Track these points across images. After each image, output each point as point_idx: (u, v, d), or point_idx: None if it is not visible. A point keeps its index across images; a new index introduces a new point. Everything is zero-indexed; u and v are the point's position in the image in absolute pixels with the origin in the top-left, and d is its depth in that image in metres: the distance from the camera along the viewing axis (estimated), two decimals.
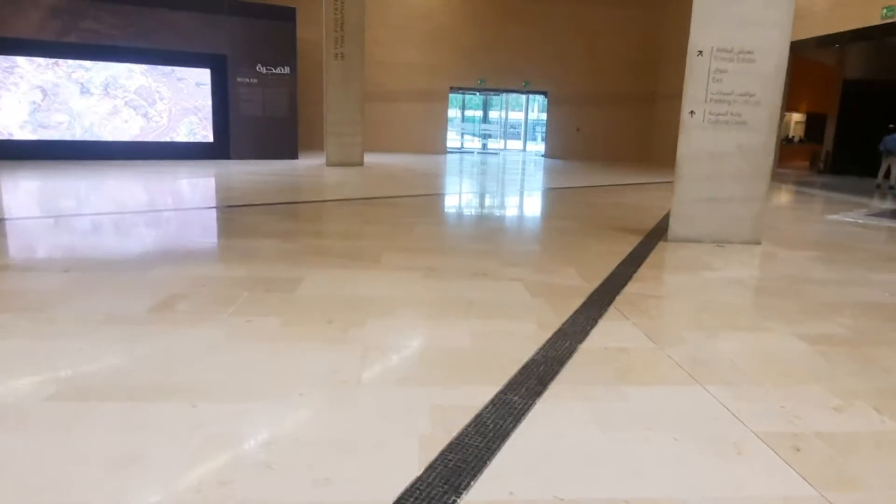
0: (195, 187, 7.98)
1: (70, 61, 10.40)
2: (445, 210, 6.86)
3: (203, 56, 11.26)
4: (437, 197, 7.84)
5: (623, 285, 3.47)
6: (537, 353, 2.36)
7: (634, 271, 3.85)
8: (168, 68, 11.09)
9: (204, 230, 5.04)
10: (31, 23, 9.94)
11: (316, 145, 13.39)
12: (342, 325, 2.61)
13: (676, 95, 5.15)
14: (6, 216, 5.22)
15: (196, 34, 11.12)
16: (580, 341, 2.53)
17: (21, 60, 10.08)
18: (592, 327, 2.71)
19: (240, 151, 11.76)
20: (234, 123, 11.73)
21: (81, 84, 10.58)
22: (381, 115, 15.69)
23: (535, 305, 3.04)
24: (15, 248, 4.13)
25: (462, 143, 19.74)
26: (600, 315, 2.89)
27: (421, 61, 16.40)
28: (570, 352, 2.40)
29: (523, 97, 19.40)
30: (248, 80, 11.65)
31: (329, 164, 11.22)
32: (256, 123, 11.90)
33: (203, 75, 11.36)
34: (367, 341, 2.44)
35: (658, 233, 5.30)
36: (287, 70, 11.95)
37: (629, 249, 4.52)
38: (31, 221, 5.09)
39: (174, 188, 7.74)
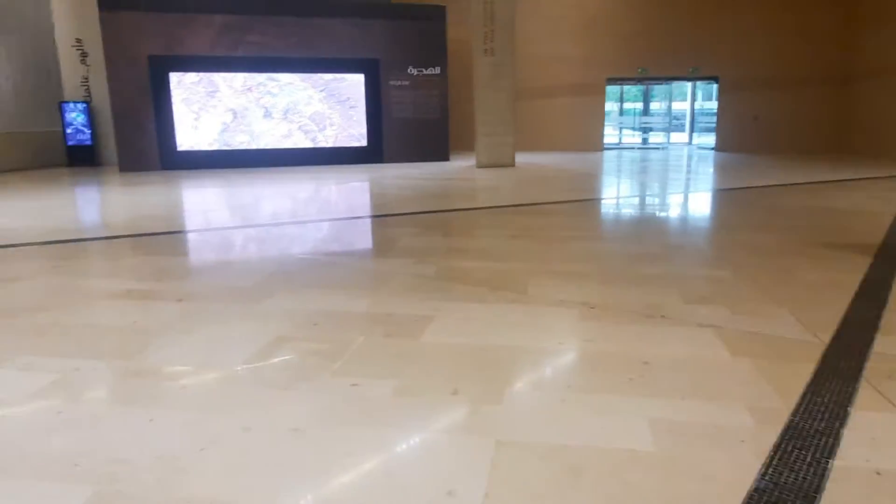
0: (340, 195, 7.82)
1: (259, 87, 10.96)
2: (605, 219, 5.94)
3: (357, 61, 11.28)
4: (594, 203, 6.91)
5: (869, 340, 2.42)
6: (762, 479, 1.50)
7: (879, 314, 2.74)
8: (344, 96, 11.29)
9: (338, 246, 4.66)
10: (204, 40, 10.53)
11: (467, 146, 12.94)
12: (470, 399, 1.93)
13: (887, 70, 3.80)
14: (148, 230, 5.27)
15: (351, 40, 11.15)
16: (830, 452, 1.61)
17: (221, 85, 10.77)
18: (842, 423, 1.77)
19: (392, 154, 11.65)
20: (387, 126, 11.64)
21: (266, 108, 11.11)
22: (533, 112, 14.87)
23: (742, 373, 2.13)
24: (143, 269, 4.01)
25: (620, 139, 18.27)
26: (849, 398, 1.92)
27: (575, 53, 15.28)
28: (818, 476, 1.51)
29: (688, 85, 17.47)
30: (399, 82, 11.49)
31: (479, 165, 10.68)
32: (408, 126, 11.72)
33: (357, 82, 11.39)
34: (502, 431, 1.73)
35: (892, 250, 4.00)
36: (438, 70, 11.61)
37: (859, 278, 3.34)
38: (167, 237, 5.07)
39: (319, 196, 7.63)
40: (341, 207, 6.80)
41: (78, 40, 11.44)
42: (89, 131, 11.72)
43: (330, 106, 11.39)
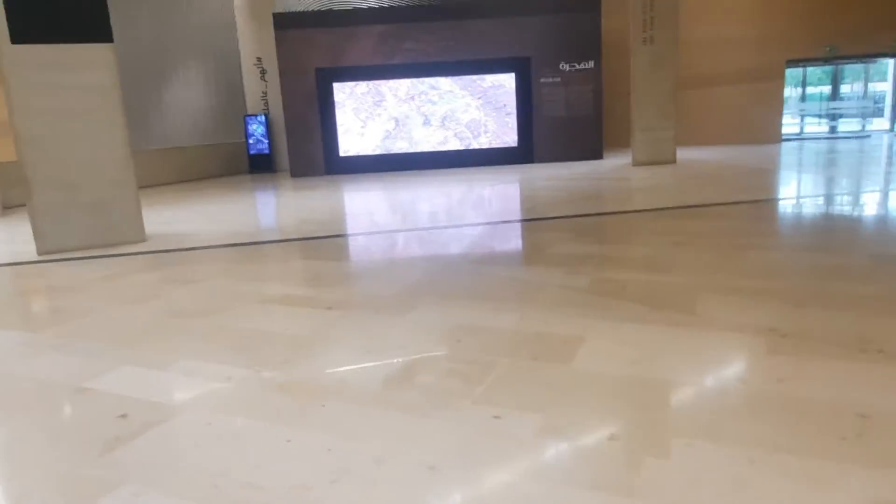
0: (489, 198, 7.67)
1: (421, 96, 11.25)
2: (789, 223, 5.16)
3: (508, 61, 11.10)
4: (773, 203, 6.07)
5: None
6: None
7: None
8: (500, 103, 11.22)
9: (484, 252, 4.49)
10: (364, 51, 10.99)
11: (622, 143, 12.21)
12: (630, 447, 1.62)
13: None
14: (309, 234, 5.48)
15: (502, 40, 11.00)
16: None
17: (387, 95, 11.24)
18: None
19: (543, 154, 11.32)
20: (538, 126, 11.32)
21: (425, 116, 11.39)
22: (697, 102, 13.62)
23: None
24: (300, 274, 4.13)
25: (802, 128, 16.18)
26: None
27: (747, 34, 13.73)
28: None
29: (890, 62, 14.98)
30: (551, 79, 11.12)
31: (636, 163, 9.98)
32: (560, 124, 11.31)
33: (508, 82, 11.20)
34: (673, 498, 1.41)
35: None
36: (591, 65, 11.07)
37: None
38: (326, 241, 5.22)
39: (468, 200, 7.54)
40: (490, 211, 6.65)
41: (258, 59, 12.54)
42: (267, 141, 12.81)
43: (486, 113, 11.34)
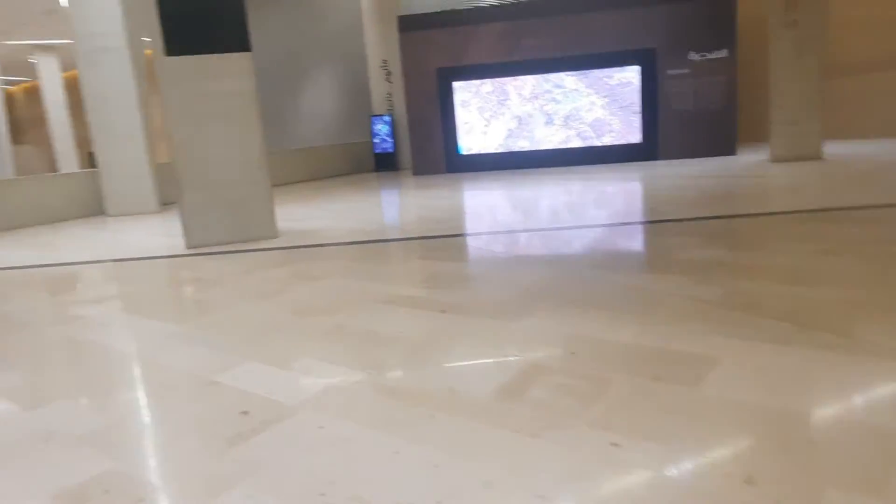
0: (611, 197, 7.31)
1: (545, 95, 11.06)
2: None
3: (632, 53, 10.53)
4: None
5: None
6: None
7: None
8: (627, 101, 10.74)
9: (604, 257, 4.25)
10: (484, 49, 10.93)
11: (758, 137, 11.18)
12: (773, 498, 1.41)
13: None
14: (430, 233, 5.50)
15: (624, 31, 10.46)
16: None
17: (512, 93, 11.17)
18: None
19: (668, 151, 10.64)
20: (664, 120, 10.66)
21: (548, 115, 11.17)
22: (847, 91, 12.12)
23: None
24: (418, 274, 4.13)
25: None
26: None
27: None
28: None
29: None
30: (678, 71, 10.40)
31: (774, 159, 9.08)
32: (687, 118, 10.56)
33: (633, 77, 10.64)
34: None
35: None
36: (725, 53, 10.21)
37: None
38: (445, 241, 5.20)
39: (587, 199, 7.24)
40: (612, 211, 6.33)
41: (384, 61, 12.91)
42: (391, 140, 13.17)
43: (612, 112, 10.85)
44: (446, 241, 5.15)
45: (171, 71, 5.36)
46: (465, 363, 2.39)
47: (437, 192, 8.75)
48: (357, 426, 1.90)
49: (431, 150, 11.42)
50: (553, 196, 7.51)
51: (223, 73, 5.48)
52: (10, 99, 29.08)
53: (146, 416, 2.17)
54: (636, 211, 6.23)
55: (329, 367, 2.43)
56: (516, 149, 11.29)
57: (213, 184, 5.59)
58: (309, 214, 7.42)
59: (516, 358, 2.35)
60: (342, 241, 5.45)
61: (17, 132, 28.74)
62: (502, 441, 1.74)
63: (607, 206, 6.65)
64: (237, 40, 5.49)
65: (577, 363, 2.26)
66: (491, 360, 2.37)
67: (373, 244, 5.22)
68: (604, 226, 5.35)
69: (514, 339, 2.58)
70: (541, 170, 10.64)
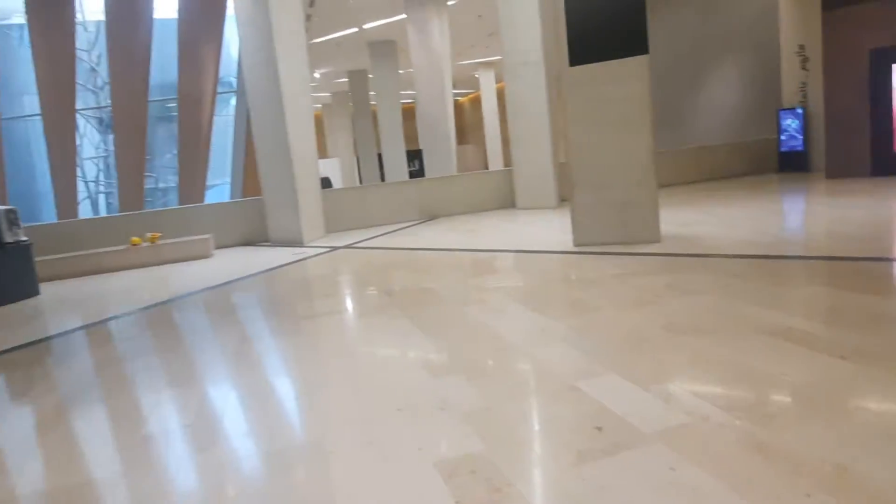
0: None
1: None
2: None
3: None
4: None
5: None
6: None
7: None
8: None
9: None
10: None
11: None
12: None
13: None
14: (838, 254, 4.45)
15: None
16: None
17: None
18: None
19: None
20: None
21: None
22: None
23: None
24: (816, 303, 3.39)
25: None
26: None
27: None
28: None
29: None
30: None
31: None
32: None
33: None
34: None
35: None
36: None
37: None
38: (861, 264, 4.12)
39: None
40: None
41: (801, 47, 11.04)
42: (801, 137, 11.24)
43: None
44: (862, 265, 4.13)
45: (573, 79, 5.69)
46: (866, 431, 1.87)
47: (857, 200, 7.08)
48: (712, 480, 1.70)
49: (854, 149, 9.28)
50: None
51: (619, 78, 5.54)
52: (459, 108, 35.75)
53: (515, 408, 2.38)
54: None
55: (692, 399, 2.23)
56: None
57: (602, 185, 5.74)
58: (695, 219, 6.94)
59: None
60: (729, 252, 4.93)
61: (462, 134, 35.15)
62: None
63: None
64: (635, 44, 5.45)
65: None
66: (879, 450, 1.80)
67: (765, 260, 4.56)
68: None
69: None
70: None
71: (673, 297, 3.74)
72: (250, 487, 1.96)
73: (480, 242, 7.10)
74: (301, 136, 8.96)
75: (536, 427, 2.17)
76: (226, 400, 2.88)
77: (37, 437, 2.66)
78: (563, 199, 10.14)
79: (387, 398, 2.59)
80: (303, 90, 9.10)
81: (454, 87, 30.43)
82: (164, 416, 2.73)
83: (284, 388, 2.96)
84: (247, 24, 8.94)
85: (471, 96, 33.74)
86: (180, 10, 12.82)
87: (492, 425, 2.20)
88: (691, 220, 6.92)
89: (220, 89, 14.31)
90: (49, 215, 14.23)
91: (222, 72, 14.20)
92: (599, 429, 2.04)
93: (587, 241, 5.90)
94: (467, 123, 34.91)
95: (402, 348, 3.33)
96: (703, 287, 3.92)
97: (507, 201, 11.06)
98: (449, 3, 14.15)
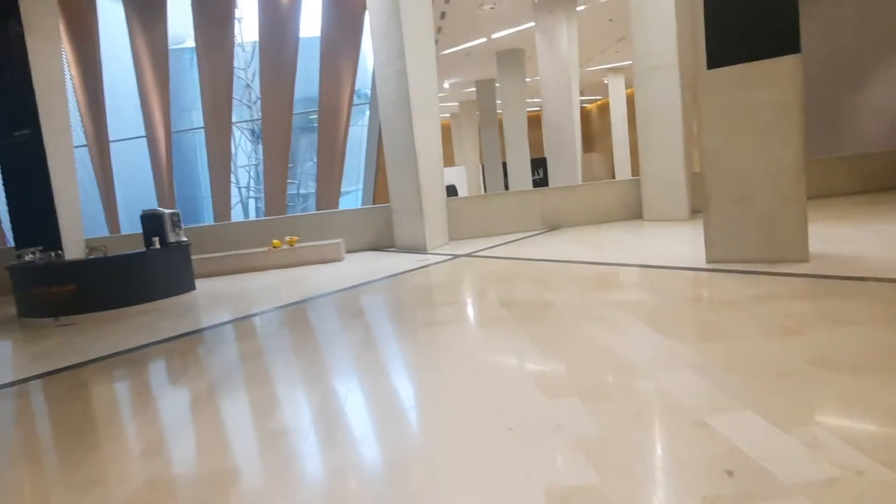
0: None
1: None
2: None
3: None
4: None
5: None
6: None
7: None
8: None
9: None
10: None
11: None
12: None
13: None
14: None
15: None
16: None
17: None
18: None
19: None
20: None
21: None
22: None
23: None
24: None
25: None
26: None
27: None
28: None
29: None
30: None
31: None
32: None
33: None
34: None
35: None
36: None
37: None
38: None
39: None
40: None
41: None
42: None
43: None
44: None
45: (711, 83, 5.28)
46: None
47: None
48: None
49: None
50: None
51: (764, 80, 5.05)
52: (586, 115, 34.84)
53: (632, 440, 2.23)
54: None
55: (844, 448, 1.95)
56: None
57: (741, 197, 5.28)
58: (850, 237, 6.15)
59: None
60: (889, 276, 4.30)
61: (589, 142, 34.24)
62: None
63: None
64: (785, 43, 4.94)
65: None
66: None
67: None
68: None
69: None
70: None
71: (823, 326, 3.33)
72: (361, 494, 2.02)
73: (604, 255, 6.83)
74: (428, 145, 9.22)
75: (657, 463, 2.02)
76: (346, 402, 3.01)
77: (190, 417, 2.96)
78: (695, 211, 9.48)
79: (498, 415, 2.56)
80: (430, 100, 9.36)
81: (582, 93, 29.77)
82: (292, 411, 2.92)
83: (400, 396, 3.03)
84: (380, 38, 9.38)
85: (599, 103, 32.76)
86: (323, 29, 13.78)
87: (607, 456, 2.08)
88: (846, 237, 6.13)
89: (356, 101, 15.16)
90: (208, 217, 15.91)
91: (358, 84, 15.03)
92: (730, 473, 1.85)
93: (723, 258, 5.44)
94: (594, 131, 33.93)
95: (517, 364, 3.27)
96: (861, 316, 3.44)
97: (634, 212, 10.56)
98: (578, 8, 13.85)
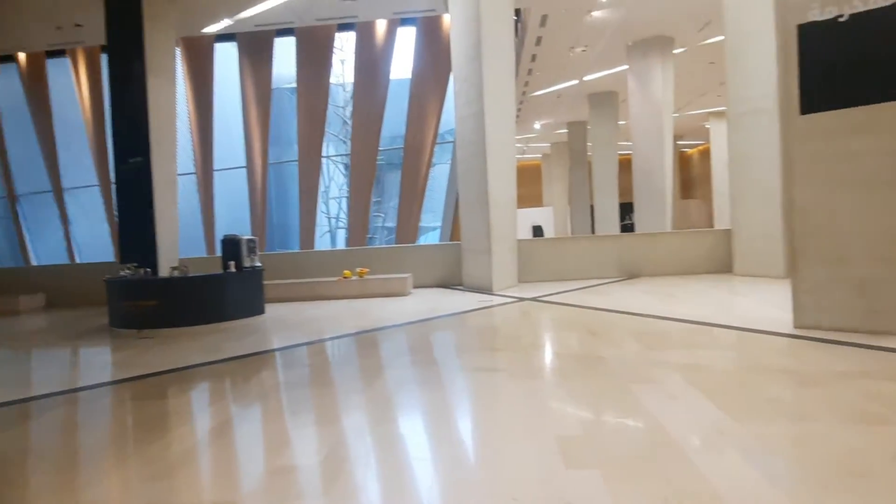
0: None
1: None
2: None
3: None
4: None
5: None
6: None
7: None
8: None
9: None
10: None
11: None
12: None
13: None
14: None
15: None
16: None
17: None
18: None
19: None
20: None
21: None
22: None
23: None
24: None
25: None
26: None
27: None
28: None
29: None
30: None
31: None
32: None
33: None
34: None
35: None
36: None
37: None
38: None
39: None
40: None
41: None
42: None
43: None
44: None
45: (804, 129, 4.78)
46: None
47: None
48: None
49: None
50: None
51: (868, 127, 4.49)
52: (685, 159, 33.38)
53: None
54: None
55: None
56: None
57: (837, 257, 4.67)
58: None
59: None
60: None
61: (688, 188, 32.68)
62: None
63: None
64: (892, 87, 4.37)
65: None
66: None
67: None
68: None
69: None
70: None
71: None
72: None
73: (677, 310, 6.28)
74: (500, 185, 9.08)
75: None
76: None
77: (262, 428, 2.93)
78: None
79: (505, 482, 2.29)
80: (506, 141, 9.27)
81: (681, 137, 28.56)
82: (343, 440, 2.80)
83: (412, 443, 2.83)
84: (461, 80, 9.47)
85: (700, 148, 31.32)
86: (413, 71, 14.22)
87: None
88: None
89: (439, 140, 15.42)
90: (296, 244, 16.64)
91: (444, 126, 15.30)
92: None
93: (812, 324, 4.81)
94: (694, 176, 32.39)
95: (545, 423, 2.97)
96: None
97: (724, 265, 9.76)
98: (676, 51, 13.36)
